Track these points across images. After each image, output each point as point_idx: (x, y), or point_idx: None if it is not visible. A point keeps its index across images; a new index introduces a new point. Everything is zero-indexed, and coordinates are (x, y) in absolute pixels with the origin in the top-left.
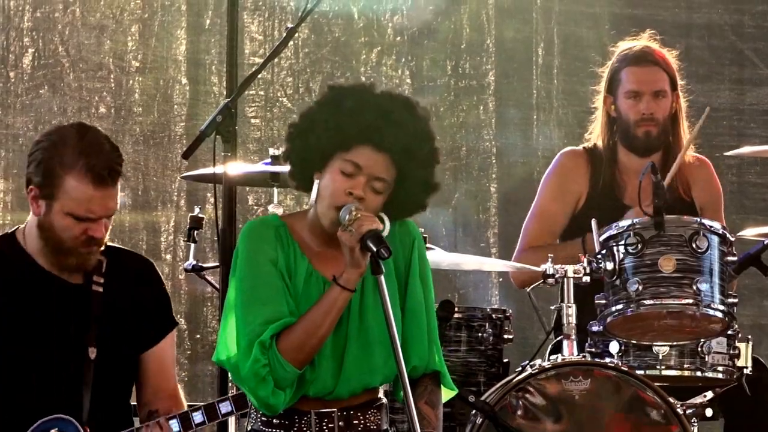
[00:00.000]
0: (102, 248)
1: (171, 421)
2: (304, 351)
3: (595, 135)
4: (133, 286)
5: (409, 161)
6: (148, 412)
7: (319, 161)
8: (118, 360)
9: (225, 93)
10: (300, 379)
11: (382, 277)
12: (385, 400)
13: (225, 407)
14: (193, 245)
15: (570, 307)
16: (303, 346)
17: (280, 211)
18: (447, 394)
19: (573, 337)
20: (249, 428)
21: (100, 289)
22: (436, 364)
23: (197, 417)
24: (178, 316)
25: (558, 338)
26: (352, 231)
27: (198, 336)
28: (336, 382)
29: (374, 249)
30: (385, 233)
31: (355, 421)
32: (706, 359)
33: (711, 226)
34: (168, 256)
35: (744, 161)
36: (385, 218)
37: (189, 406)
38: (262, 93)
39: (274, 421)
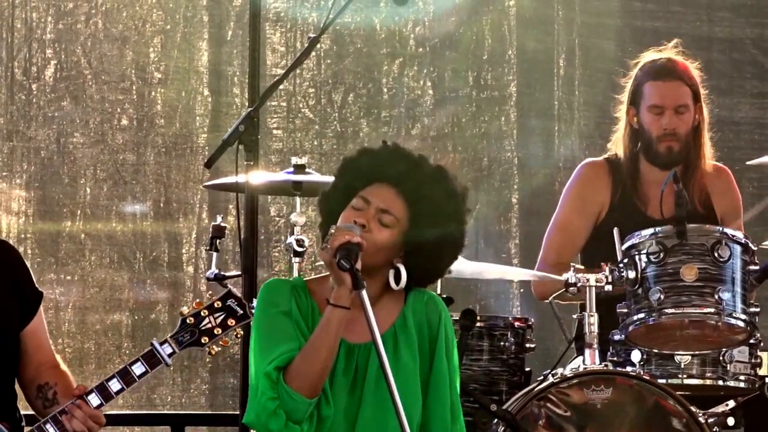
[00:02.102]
0: None
1: (89, 396)
2: (308, 377)
3: (618, 146)
4: None
5: (422, 203)
6: (38, 386)
7: (337, 214)
8: (2, 342)
9: (247, 104)
10: (319, 417)
11: (364, 292)
12: None
13: (138, 368)
14: (215, 254)
15: (592, 316)
16: (306, 372)
17: (302, 221)
18: None
19: (595, 346)
20: None
21: None
22: None
23: (114, 385)
24: None
25: (578, 347)
26: (326, 247)
27: (219, 349)
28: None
29: (339, 260)
30: (401, 285)
31: None
32: (728, 368)
33: (733, 236)
34: (190, 268)
35: (765, 174)
36: (402, 270)
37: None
38: (284, 104)
39: None
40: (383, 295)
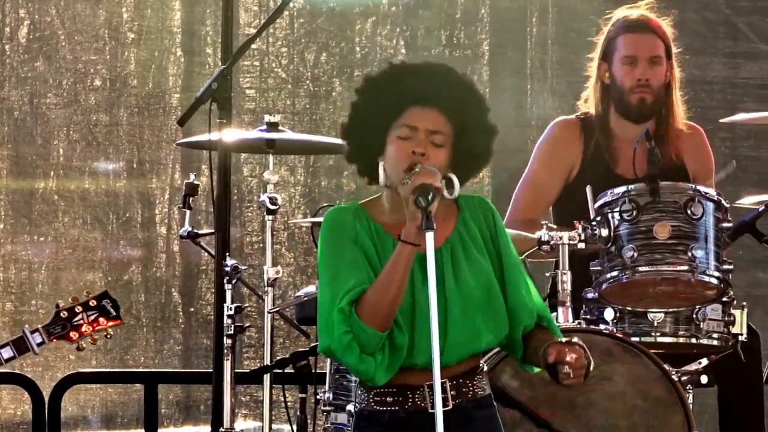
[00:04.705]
0: None
1: None
2: (379, 311)
3: (589, 103)
4: None
5: (459, 111)
6: None
7: (377, 144)
8: None
9: (220, 64)
10: (393, 345)
11: (431, 234)
12: (486, 368)
13: (7, 352)
14: (188, 212)
15: (565, 274)
16: (377, 305)
17: (275, 179)
18: None
19: (568, 304)
20: (356, 410)
21: None
22: (543, 311)
23: None
24: (173, 289)
25: (551, 305)
26: (407, 183)
27: (192, 309)
28: (442, 350)
29: (417, 200)
30: (455, 194)
31: (464, 389)
32: (701, 326)
33: (706, 193)
34: (163, 228)
35: (737, 135)
36: (455, 180)
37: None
38: (257, 64)
39: (388, 399)
40: (439, 203)
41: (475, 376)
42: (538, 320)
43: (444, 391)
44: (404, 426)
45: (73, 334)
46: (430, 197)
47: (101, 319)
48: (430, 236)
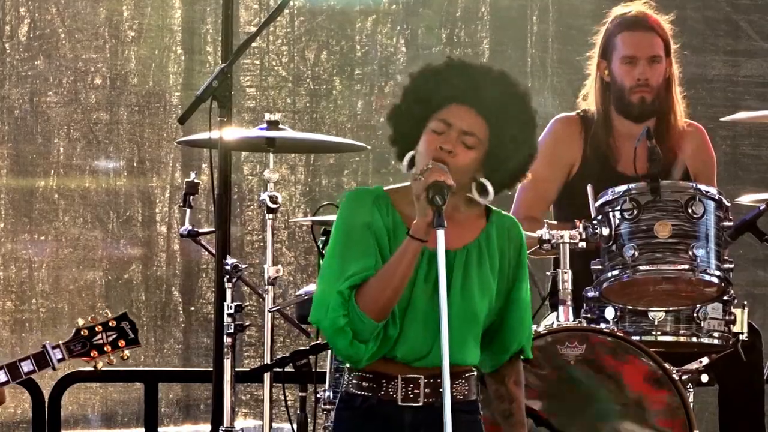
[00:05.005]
0: None
1: None
2: (379, 302)
3: (589, 101)
4: None
5: (499, 118)
6: None
7: (414, 133)
8: None
9: (220, 62)
10: (384, 336)
11: (441, 232)
12: (475, 373)
13: (27, 366)
14: (188, 211)
15: (566, 272)
16: (377, 297)
17: (275, 177)
18: None
19: (569, 302)
20: (342, 390)
21: None
22: (528, 344)
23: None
24: (173, 288)
25: (552, 303)
26: (421, 179)
27: (192, 308)
28: (430, 351)
29: (430, 196)
30: (489, 199)
31: (440, 389)
32: (702, 325)
33: (707, 192)
34: (163, 227)
35: (738, 133)
36: (488, 185)
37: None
38: (257, 62)
39: (364, 384)
40: (466, 208)
41: (456, 380)
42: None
43: (417, 386)
44: (373, 414)
45: (93, 353)
46: (442, 196)
47: (120, 341)
48: (441, 234)
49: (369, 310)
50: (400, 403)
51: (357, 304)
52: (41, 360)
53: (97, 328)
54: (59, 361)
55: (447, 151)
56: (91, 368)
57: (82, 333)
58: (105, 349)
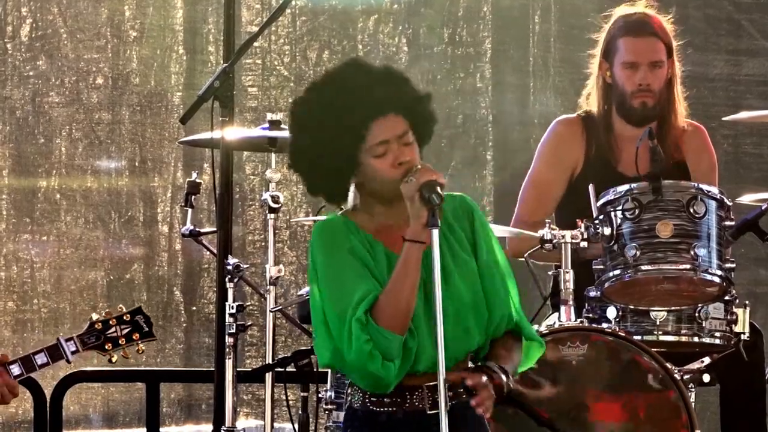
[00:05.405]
0: None
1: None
2: (397, 315)
3: (591, 101)
4: None
5: (404, 100)
6: None
7: (347, 168)
8: None
9: (222, 62)
10: (404, 349)
11: (436, 231)
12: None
13: (41, 359)
14: (190, 210)
15: (567, 272)
16: (395, 310)
17: (277, 177)
18: (538, 351)
19: (570, 302)
20: (348, 407)
21: None
22: (514, 313)
23: (15, 369)
24: (175, 288)
25: (553, 303)
26: (411, 180)
27: (194, 308)
28: (436, 351)
29: (426, 196)
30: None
31: (458, 390)
32: (704, 325)
33: (709, 191)
34: (164, 227)
35: (739, 132)
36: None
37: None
38: (259, 62)
39: (385, 400)
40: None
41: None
42: (511, 327)
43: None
44: (401, 426)
45: (108, 345)
46: (440, 192)
47: (134, 335)
48: (435, 233)
49: (391, 326)
50: (428, 412)
51: (377, 324)
52: (55, 352)
53: (111, 322)
54: (73, 353)
55: (406, 162)
56: (106, 361)
57: (96, 326)
58: (120, 341)
